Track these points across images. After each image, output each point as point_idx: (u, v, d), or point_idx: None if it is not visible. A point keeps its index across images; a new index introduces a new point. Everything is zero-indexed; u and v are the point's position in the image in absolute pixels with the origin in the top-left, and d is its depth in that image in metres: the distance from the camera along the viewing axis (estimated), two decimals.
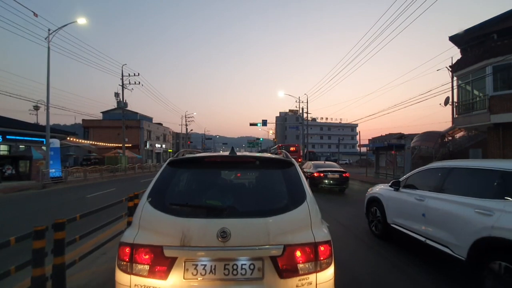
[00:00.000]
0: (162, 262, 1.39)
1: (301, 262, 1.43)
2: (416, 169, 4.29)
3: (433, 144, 17.99)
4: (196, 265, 1.41)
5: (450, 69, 16.52)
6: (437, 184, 3.48)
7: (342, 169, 11.89)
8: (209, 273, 1.39)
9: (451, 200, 3.11)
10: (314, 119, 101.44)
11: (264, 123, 29.98)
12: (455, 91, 13.07)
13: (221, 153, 2.24)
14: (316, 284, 1.43)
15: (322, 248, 1.46)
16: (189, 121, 60.84)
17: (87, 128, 39.02)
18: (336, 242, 2.06)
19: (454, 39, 12.74)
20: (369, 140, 75.76)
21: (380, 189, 4.88)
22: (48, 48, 14.67)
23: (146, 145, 39.56)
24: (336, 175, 11.47)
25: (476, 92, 11.92)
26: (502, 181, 2.65)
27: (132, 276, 1.41)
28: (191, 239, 1.41)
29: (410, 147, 14.58)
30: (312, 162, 14.37)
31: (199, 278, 1.38)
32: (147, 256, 1.41)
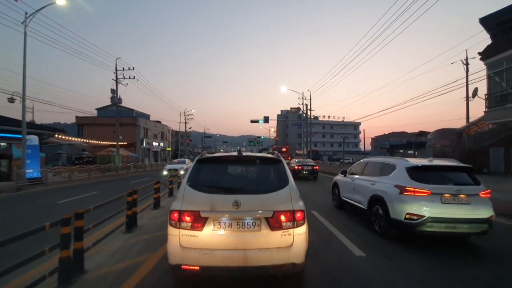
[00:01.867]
0: (199, 221, 2.35)
1: (284, 221, 2.36)
2: (354, 164, 7.23)
3: (449, 142, 16.20)
4: (220, 222, 2.36)
5: (469, 61, 14.63)
6: (360, 171, 6.22)
7: (314, 163, 17.73)
8: (228, 227, 2.36)
9: (363, 179, 5.75)
10: (316, 117, 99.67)
11: (266, 119, 28.28)
12: (485, 82, 11.19)
13: (232, 153, 3.24)
14: (294, 235, 2.38)
15: (298, 214, 2.42)
16: (188, 119, 58.59)
17: (81, 125, 37.29)
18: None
19: (485, 22, 10.92)
20: (371, 138, 73.36)
21: (339, 177, 7.28)
22: (25, 33, 12.99)
23: (142, 143, 37.75)
24: (310, 168, 17.11)
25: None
26: (381, 167, 5.42)
27: (180, 229, 2.36)
28: (216, 206, 2.38)
29: (431, 144, 12.75)
30: (296, 159, 20.76)
31: (221, 230, 2.34)
32: (189, 218, 2.35)
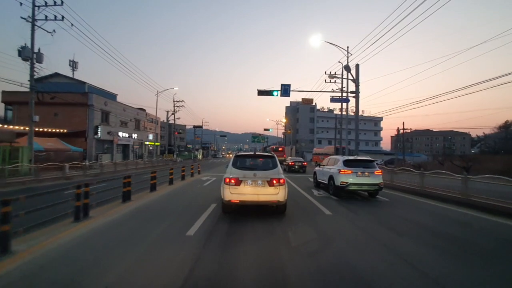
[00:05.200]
0: (238, 182, 6.55)
1: (275, 183, 6.53)
2: (324, 160, 13.44)
3: None
4: (247, 182, 6.57)
5: None
6: (326, 163, 12.40)
7: (303, 160, 27.21)
8: (250, 185, 6.56)
9: (327, 167, 11.75)
10: (330, 110, 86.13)
11: (286, 91, 15.51)
12: None
13: (250, 152, 8.25)
14: (279, 189, 6.53)
15: (281, 180, 6.64)
16: (178, 106, 45.55)
17: (9, 104, 24.20)
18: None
19: None
20: (391, 137, 56.98)
21: (317, 168, 13.74)
22: None
23: (97, 133, 24.45)
24: (300, 164, 24.85)
25: None
26: (334, 160, 11.47)
27: (229, 185, 6.57)
28: (245, 175, 6.66)
29: None
30: (290, 157, 31.38)
31: (248, 186, 6.55)
32: (233, 180, 6.57)
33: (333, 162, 11.31)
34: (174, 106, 51.52)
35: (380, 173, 10.10)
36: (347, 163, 10.18)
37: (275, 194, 6.36)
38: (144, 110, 50.08)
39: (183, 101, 52.03)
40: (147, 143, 53.44)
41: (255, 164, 7.16)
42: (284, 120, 54.92)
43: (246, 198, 6.34)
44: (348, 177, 9.79)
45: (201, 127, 57.29)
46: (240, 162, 7.16)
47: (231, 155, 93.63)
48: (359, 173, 9.78)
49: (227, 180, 6.47)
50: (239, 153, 7.92)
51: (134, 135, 39.08)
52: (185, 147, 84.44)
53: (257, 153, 7.98)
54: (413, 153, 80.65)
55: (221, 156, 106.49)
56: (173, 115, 41.68)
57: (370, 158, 11.40)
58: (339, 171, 10.04)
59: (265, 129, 56.34)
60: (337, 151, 32.52)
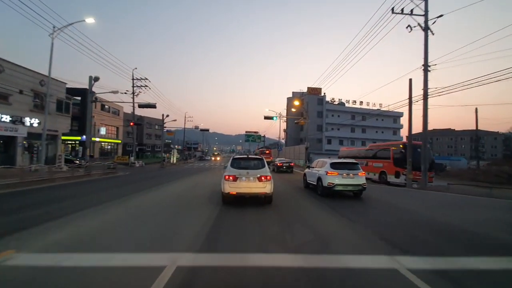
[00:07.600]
0: (235, 178, 9.55)
1: (263, 179, 9.41)
2: (313, 162, 17.40)
3: None
4: (242, 178, 9.47)
5: None
6: (315, 165, 14.32)
7: (290, 161, 30.86)
8: (245, 180, 9.47)
9: (316, 169, 13.72)
10: (342, 103, 70.54)
11: None
12: None
13: (247, 155, 13.35)
14: (266, 183, 9.46)
15: (268, 177, 9.68)
16: (139, 86, 33.95)
17: None
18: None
19: None
20: (406, 137, 35.45)
21: (306, 170, 16.12)
22: None
23: None
24: (287, 164, 27.83)
25: None
26: (322, 163, 13.29)
27: (228, 181, 9.54)
28: (240, 173, 9.71)
29: None
30: (278, 158, 36.40)
31: (243, 181, 9.44)
32: (231, 177, 9.58)
33: (321, 165, 13.19)
34: (133, 86, 36.16)
35: (363, 175, 11.87)
36: (333, 165, 11.93)
37: (263, 187, 9.11)
38: (94, 92, 34.22)
39: (146, 79, 36.57)
40: (97, 139, 37.14)
41: (248, 165, 9.93)
42: (297, 103, 38.14)
43: (241, 190, 9.13)
44: (335, 178, 11.37)
45: (154, 106, 31.21)
46: (237, 163, 9.97)
47: (218, 158, 77.92)
48: (344, 174, 11.30)
49: (227, 177, 9.20)
50: (236, 156, 11.12)
51: (31, 121, 21.28)
52: (162, 147, 68.19)
53: (249, 156, 11.48)
54: (450, 157, 66.80)
55: (208, 158, 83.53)
56: (95, 82, 22.13)
57: (354, 161, 13.56)
58: (327, 172, 11.67)
59: (265, 117, 39.38)
60: (414, 151, 17.38)
